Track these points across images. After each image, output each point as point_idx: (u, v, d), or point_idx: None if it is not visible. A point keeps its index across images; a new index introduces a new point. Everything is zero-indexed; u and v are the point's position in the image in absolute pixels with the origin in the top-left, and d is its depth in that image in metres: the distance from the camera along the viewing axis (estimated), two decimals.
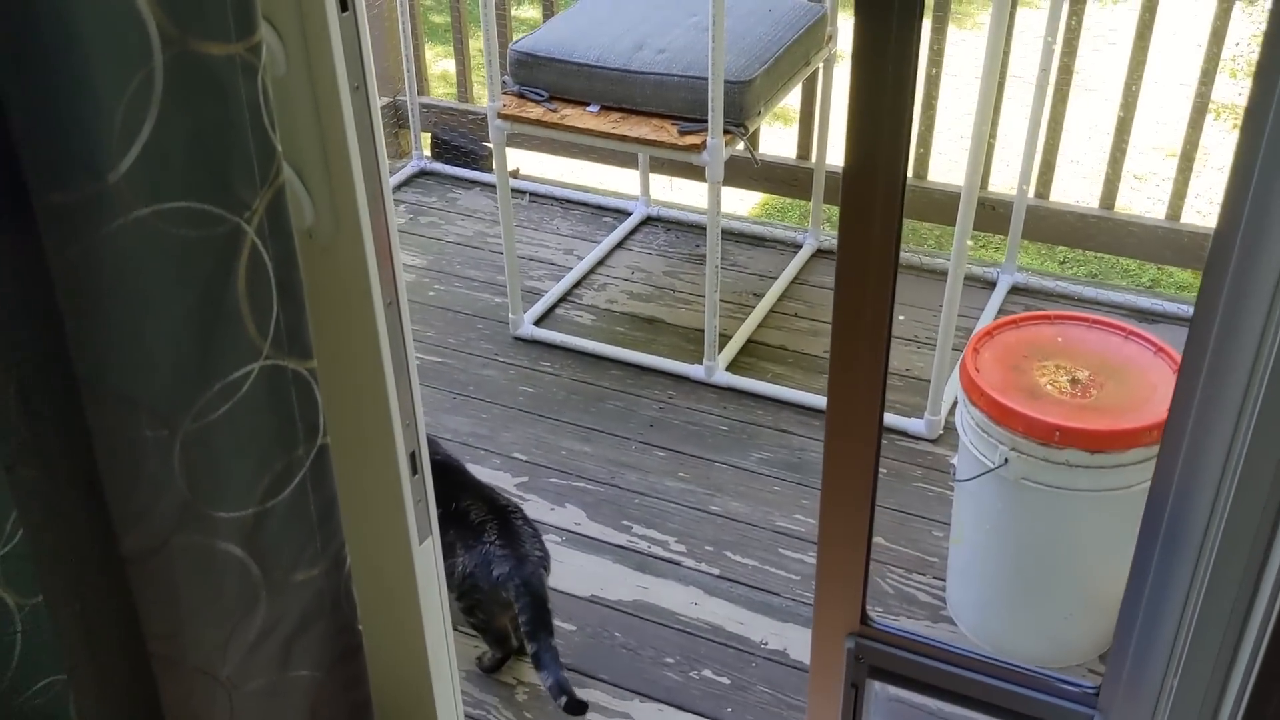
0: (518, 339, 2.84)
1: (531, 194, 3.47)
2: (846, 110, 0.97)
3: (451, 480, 2.00)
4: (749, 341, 2.81)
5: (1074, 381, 1.86)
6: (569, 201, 3.45)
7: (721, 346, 2.70)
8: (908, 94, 0.95)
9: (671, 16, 2.69)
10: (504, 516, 1.94)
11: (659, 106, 2.50)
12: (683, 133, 2.44)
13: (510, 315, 2.84)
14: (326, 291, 1.11)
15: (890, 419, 2.52)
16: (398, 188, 3.52)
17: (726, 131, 2.41)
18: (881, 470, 2.49)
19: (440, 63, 5.24)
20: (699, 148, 2.40)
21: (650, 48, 2.55)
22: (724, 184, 2.52)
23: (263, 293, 0.87)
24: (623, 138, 2.47)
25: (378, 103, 1.05)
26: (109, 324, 0.80)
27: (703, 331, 2.69)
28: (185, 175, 0.79)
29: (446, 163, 3.60)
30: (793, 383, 2.66)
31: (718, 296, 2.58)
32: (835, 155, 3.16)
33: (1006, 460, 1.81)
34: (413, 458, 1.21)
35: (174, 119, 0.78)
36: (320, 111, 1.01)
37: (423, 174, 3.59)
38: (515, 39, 2.66)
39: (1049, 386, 1.85)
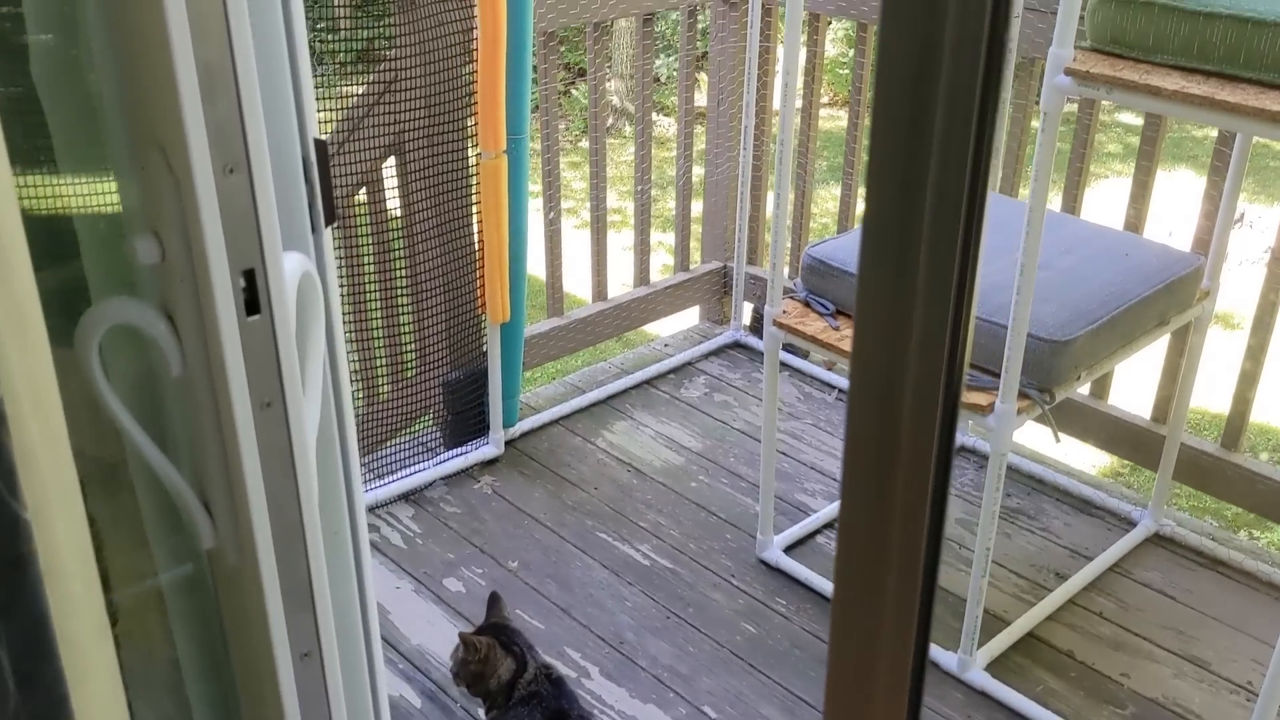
0: (761, 562, 2.51)
1: (841, 390, 3.14)
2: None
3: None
4: (1028, 635, 2.31)
5: None
6: None
7: (991, 634, 2.22)
8: None
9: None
10: None
11: None
12: (969, 386, 2.03)
13: (759, 535, 2.52)
14: (238, 628, 0.89)
15: None
16: (706, 355, 3.32)
17: (1024, 395, 1.98)
18: None
19: None
20: (984, 409, 1.99)
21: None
22: (1058, 428, 2.09)
23: None
24: None
25: (304, 422, 0.82)
26: None
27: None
28: None
29: (762, 339, 3.35)
30: (1066, 708, 2.13)
31: (984, 583, 2.12)
32: (1194, 426, 2.58)
33: None
34: None
35: None
36: (223, 426, 0.80)
37: (735, 345, 3.37)
38: (812, 242, 2.38)
39: None
